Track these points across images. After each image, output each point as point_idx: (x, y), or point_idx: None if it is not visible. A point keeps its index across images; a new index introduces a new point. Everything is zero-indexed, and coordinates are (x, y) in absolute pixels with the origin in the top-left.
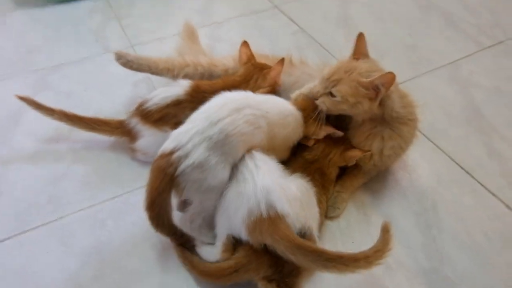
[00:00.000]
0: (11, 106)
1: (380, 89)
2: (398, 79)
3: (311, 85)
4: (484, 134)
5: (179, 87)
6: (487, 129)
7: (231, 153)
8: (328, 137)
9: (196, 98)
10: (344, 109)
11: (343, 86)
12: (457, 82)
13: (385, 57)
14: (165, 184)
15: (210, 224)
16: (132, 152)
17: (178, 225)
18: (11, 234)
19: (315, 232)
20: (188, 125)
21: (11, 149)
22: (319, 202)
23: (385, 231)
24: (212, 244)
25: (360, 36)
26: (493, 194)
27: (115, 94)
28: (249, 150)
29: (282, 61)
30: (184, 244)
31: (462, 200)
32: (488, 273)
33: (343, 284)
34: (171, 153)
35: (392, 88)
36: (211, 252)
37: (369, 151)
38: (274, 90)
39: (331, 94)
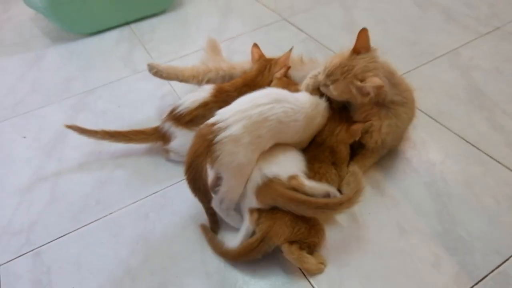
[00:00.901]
0: (57, 127)
1: (370, 93)
2: (402, 70)
3: (315, 72)
4: (486, 110)
5: (204, 92)
6: (489, 106)
7: (264, 137)
8: (332, 118)
9: (220, 98)
10: (341, 98)
11: (339, 85)
12: (458, 67)
13: (389, 54)
14: (203, 149)
15: (237, 208)
16: (166, 153)
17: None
18: (68, 231)
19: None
20: (233, 105)
21: (61, 162)
22: (333, 178)
23: (355, 174)
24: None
25: (363, 31)
26: (499, 162)
27: (145, 107)
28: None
29: (290, 50)
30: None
31: (469, 170)
32: (498, 231)
33: (364, 248)
34: (214, 124)
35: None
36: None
37: (369, 121)
38: (287, 70)
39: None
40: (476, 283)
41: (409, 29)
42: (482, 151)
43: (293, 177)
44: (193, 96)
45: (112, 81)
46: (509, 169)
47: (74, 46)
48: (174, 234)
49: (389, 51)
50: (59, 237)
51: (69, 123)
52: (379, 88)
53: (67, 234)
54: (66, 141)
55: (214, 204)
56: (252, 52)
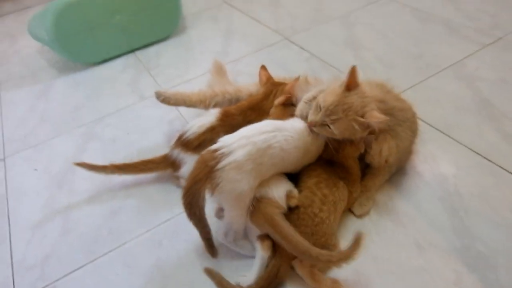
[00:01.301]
0: (67, 157)
1: (373, 127)
2: (407, 85)
3: (309, 96)
4: (495, 121)
5: (211, 116)
6: (497, 116)
7: (265, 165)
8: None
9: (226, 122)
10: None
11: (341, 124)
12: (463, 79)
13: (394, 68)
14: (203, 175)
15: (244, 235)
16: (176, 180)
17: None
18: (83, 263)
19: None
20: (236, 133)
21: (72, 193)
22: (349, 194)
23: (357, 241)
24: (252, 256)
25: (353, 69)
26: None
27: (153, 133)
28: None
29: (297, 78)
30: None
31: (483, 182)
32: None
33: (383, 269)
34: (216, 150)
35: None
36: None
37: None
38: (290, 99)
39: (328, 126)
40: None
41: (411, 43)
42: (494, 163)
43: (290, 192)
44: (200, 121)
45: (120, 108)
46: None
47: (80, 75)
48: (189, 262)
49: (394, 65)
50: (74, 270)
51: (79, 153)
52: (383, 122)
53: (82, 267)
54: (76, 172)
55: (221, 238)
56: (259, 75)
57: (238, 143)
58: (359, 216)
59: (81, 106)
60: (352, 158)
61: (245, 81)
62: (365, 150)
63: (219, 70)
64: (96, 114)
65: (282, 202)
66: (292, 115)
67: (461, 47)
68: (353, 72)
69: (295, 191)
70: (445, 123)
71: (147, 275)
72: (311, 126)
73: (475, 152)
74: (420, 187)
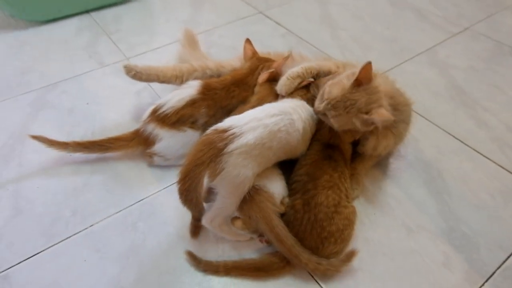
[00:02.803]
0: (13, 127)
1: (378, 125)
2: (385, 68)
3: (293, 73)
4: (469, 107)
5: (191, 88)
6: (470, 103)
7: (273, 150)
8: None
9: (208, 96)
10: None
11: (341, 118)
12: (436, 65)
13: (370, 50)
14: (207, 158)
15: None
16: (149, 158)
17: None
18: (40, 249)
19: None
20: (245, 113)
21: (22, 167)
22: (346, 177)
23: (348, 256)
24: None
25: (367, 65)
26: (488, 158)
27: (119, 105)
28: None
29: (287, 57)
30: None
31: (462, 167)
32: (498, 226)
33: (374, 250)
34: (225, 130)
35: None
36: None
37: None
38: (274, 75)
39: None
40: (487, 280)
41: (385, 26)
42: (471, 147)
43: (284, 198)
44: (178, 93)
45: (77, 74)
46: (497, 164)
47: (25, 35)
48: (169, 246)
49: (370, 47)
50: (30, 257)
51: (29, 123)
52: (387, 121)
53: (40, 252)
54: (26, 144)
55: (205, 222)
56: (244, 48)
57: (250, 125)
58: (351, 199)
59: (28, 71)
60: (348, 143)
61: (219, 54)
62: (359, 139)
63: (190, 41)
64: (47, 79)
65: (278, 202)
66: (278, 95)
67: (432, 35)
68: (367, 68)
69: (286, 199)
70: (423, 107)
71: (122, 261)
72: (315, 113)
73: (454, 136)
74: (405, 171)
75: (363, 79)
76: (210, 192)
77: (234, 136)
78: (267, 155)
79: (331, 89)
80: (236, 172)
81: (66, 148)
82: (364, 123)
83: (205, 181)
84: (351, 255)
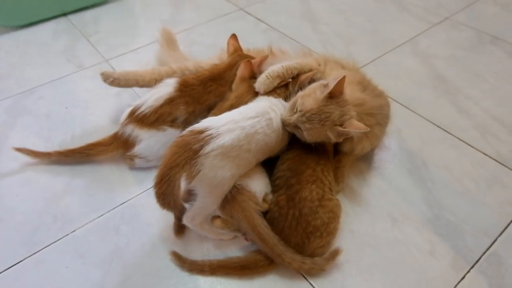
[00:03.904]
0: None
1: (351, 135)
2: (367, 60)
3: (272, 72)
4: (451, 96)
5: (168, 86)
6: (452, 91)
7: (252, 152)
8: None
9: (185, 92)
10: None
11: (314, 131)
12: (418, 55)
13: (352, 43)
14: (182, 159)
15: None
16: (130, 161)
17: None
18: (21, 258)
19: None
20: (221, 116)
21: (0, 176)
22: (329, 169)
23: (333, 254)
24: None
25: (342, 79)
26: (470, 146)
27: (98, 107)
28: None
29: (266, 56)
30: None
31: (446, 154)
32: (482, 212)
33: (360, 242)
34: (201, 132)
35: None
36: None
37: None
38: (252, 73)
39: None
40: (472, 266)
41: (366, 19)
42: (454, 136)
43: (266, 195)
44: (155, 92)
45: (55, 79)
46: (480, 151)
47: (0, 41)
48: (153, 248)
49: (352, 40)
50: (12, 266)
51: (6, 129)
52: (362, 131)
53: (21, 261)
54: (3, 151)
55: (185, 221)
56: (228, 44)
57: (227, 127)
58: (336, 192)
59: (4, 76)
60: None
61: (200, 52)
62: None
63: (168, 41)
64: (24, 85)
65: (260, 200)
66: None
67: (412, 25)
68: (341, 82)
69: (270, 196)
70: (406, 97)
71: (105, 266)
72: (284, 125)
73: (436, 125)
74: (389, 161)
75: (336, 92)
76: (190, 193)
77: (211, 138)
78: (246, 157)
79: (303, 100)
80: (213, 174)
81: (49, 158)
82: (339, 135)
83: (183, 183)
84: (335, 253)
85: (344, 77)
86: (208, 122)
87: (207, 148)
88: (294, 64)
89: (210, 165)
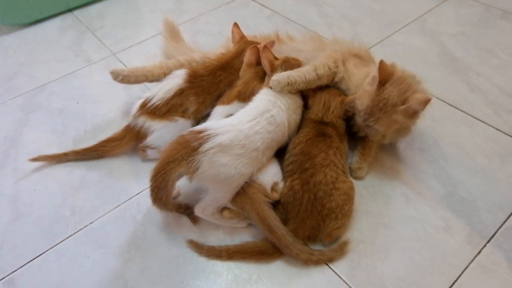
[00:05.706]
0: (4, 132)
1: (418, 110)
2: (375, 40)
3: (299, 80)
4: (461, 73)
5: (177, 78)
6: (463, 69)
7: (259, 150)
8: (324, 93)
9: (195, 83)
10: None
11: (383, 121)
12: (427, 33)
13: (359, 24)
14: (179, 155)
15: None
16: (143, 152)
17: (180, 203)
18: (43, 250)
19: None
20: (220, 121)
21: (17, 172)
22: (342, 152)
23: (341, 246)
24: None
25: (381, 63)
26: (483, 122)
27: (109, 101)
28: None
29: (273, 41)
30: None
31: (457, 132)
32: (496, 187)
33: (374, 222)
34: (201, 131)
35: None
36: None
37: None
38: (259, 58)
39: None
40: (488, 241)
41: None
42: (466, 113)
43: (275, 184)
44: (166, 84)
45: (64, 74)
46: (493, 127)
47: (8, 40)
48: (170, 236)
49: (359, 21)
50: (34, 258)
51: (20, 126)
52: (426, 102)
53: (42, 253)
54: (19, 148)
55: (197, 211)
56: (232, 32)
57: (225, 128)
58: (360, 178)
59: (14, 75)
60: (341, 119)
61: (206, 41)
62: (353, 114)
63: (172, 33)
64: (35, 82)
65: (269, 191)
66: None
67: (420, 3)
68: (381, 66)
69: (280, 185)
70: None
71: (124, 255)
72: (362, 127)
73: (448, 103)
74: (401, 141)
75: (384, 77)
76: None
77: (209, 136)
78: (253, 156)
79: (360, 101)
80: (215, 171)
81: (66, 159)
82: (406, 114)
83: (189, 180)
84: (343, 245)
85: (382, 60)
86: (207, 125)
87: (206, 146)
88: (313, 74)
89: (209, 163)
